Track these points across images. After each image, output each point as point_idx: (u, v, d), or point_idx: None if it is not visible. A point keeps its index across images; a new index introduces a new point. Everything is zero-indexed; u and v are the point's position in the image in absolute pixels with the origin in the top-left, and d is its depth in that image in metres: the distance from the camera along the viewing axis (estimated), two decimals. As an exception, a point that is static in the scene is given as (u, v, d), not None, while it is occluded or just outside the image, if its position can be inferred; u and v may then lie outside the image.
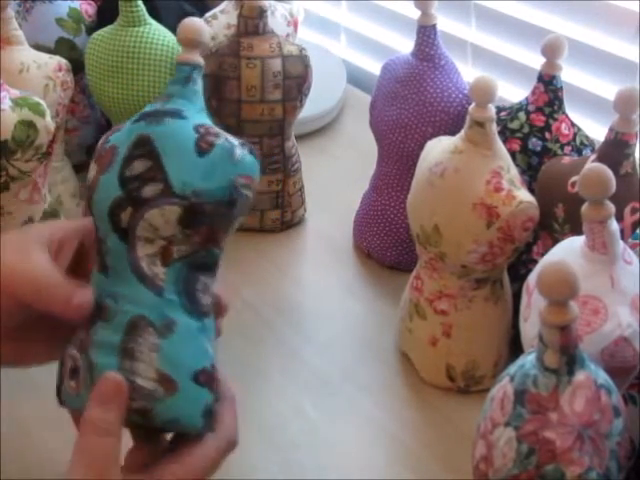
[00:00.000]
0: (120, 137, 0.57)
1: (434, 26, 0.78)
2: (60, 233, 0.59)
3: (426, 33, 0.78)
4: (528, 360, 0.50)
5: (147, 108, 0.58)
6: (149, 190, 0.55)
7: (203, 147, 0.55)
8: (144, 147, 0.56)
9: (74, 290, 0.54)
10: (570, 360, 0.48)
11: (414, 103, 0.79)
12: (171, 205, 0.55)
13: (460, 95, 0.78)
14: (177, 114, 0.57)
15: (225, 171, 0.55)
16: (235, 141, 0.57)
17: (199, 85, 0.60)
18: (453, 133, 0.69)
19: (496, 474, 0.50)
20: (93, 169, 0.58)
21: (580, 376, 0.48)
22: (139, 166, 0.55)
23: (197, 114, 0.58)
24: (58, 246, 0.58)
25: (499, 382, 0.52)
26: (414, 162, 0.71)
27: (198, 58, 0.59)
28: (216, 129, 0.57)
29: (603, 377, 0.50)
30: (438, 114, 0.78)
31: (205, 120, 0.58)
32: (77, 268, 0.59)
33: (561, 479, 0.47)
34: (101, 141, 0.59)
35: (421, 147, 0.71)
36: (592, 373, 0.49)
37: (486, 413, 0.52)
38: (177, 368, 0.52)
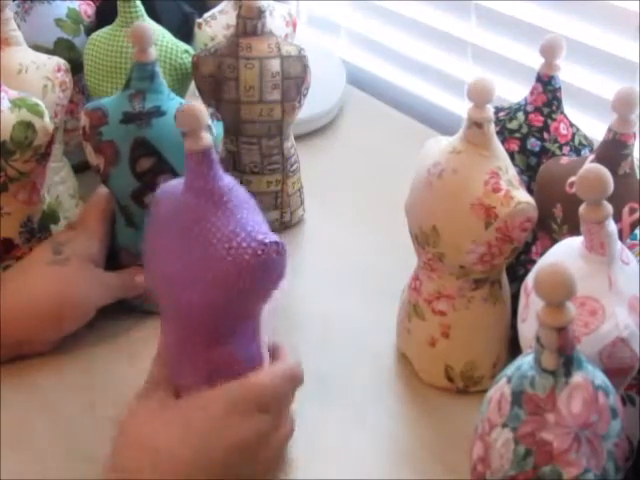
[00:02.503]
0: (114, 133, 0.72)
1: (208, 150, 0.57)
2: (91, 245, 0.76)
3: (195, 160, 0.57)
4: (525, 361, 0.50)
5: (127, 107, 0.72)
6: (162, 180, 0.69)
7: None
8: (143, 147, 0.71)
9: (128, 278, 0.76)
10: (567, 361, 0.48)
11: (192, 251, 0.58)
12: None
13: (253, 243, 0.57)
14: (158, 112, 0.72)
15: None
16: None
17: (161, 76, 0.73)
18: (246, 292, 0.57)
19: (493, 475, 0.50)
20: (94, 156, 0.74)
21: (577, 377, 0.48)
22: (146, 163, 0.72)
23: (170, 102, 0.73)
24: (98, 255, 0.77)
25: (496, 383, 0.52)
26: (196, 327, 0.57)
27: (153, 54, 0.72)
28: None
29: (601, 378, 0.49)
30: (225, 265, 0.57)
31: (176, 103, 0.72)
32: None
33: (558, 480, 0.47)
34: (86, 124, 0.73)
35: (201, 308, 0.56)
36: (589, 374, 0.49)
37: (483, 414, 0.52)
38: None
